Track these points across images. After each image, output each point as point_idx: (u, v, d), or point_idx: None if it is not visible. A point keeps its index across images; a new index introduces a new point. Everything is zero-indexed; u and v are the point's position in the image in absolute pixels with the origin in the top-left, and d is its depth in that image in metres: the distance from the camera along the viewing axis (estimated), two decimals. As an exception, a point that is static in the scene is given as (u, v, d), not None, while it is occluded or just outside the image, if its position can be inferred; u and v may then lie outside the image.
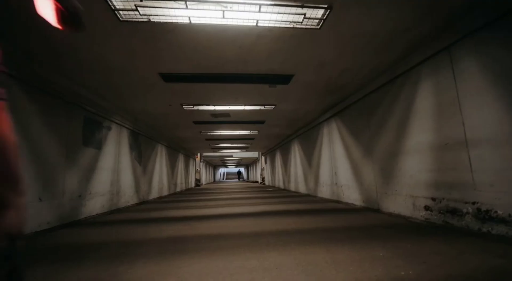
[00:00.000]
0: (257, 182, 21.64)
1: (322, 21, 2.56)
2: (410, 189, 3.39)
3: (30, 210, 3.02)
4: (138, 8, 2.30)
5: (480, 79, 2.47)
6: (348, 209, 4.44)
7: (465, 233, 2.49)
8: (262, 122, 7.39)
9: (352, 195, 5.03)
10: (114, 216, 4.45)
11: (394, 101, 3.69)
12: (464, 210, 2.62)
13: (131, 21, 2.47)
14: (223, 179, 46.42)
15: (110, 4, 2.23)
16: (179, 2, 2.26)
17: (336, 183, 5.78)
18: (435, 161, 3.00)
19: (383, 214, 3.73)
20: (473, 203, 2.54)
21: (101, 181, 4.75)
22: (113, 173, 5.29)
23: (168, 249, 2.28)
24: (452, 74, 2.75)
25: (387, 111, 3.85)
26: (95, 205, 4.50)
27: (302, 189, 8.59)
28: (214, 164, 32.74)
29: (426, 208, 3.12)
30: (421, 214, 3.20)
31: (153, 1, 2.22)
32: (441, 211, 2.90)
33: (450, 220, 2.78)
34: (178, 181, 11.99)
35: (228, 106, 5.64)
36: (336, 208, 4.70)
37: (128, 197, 5.97)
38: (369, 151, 4.35)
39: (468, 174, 2.58)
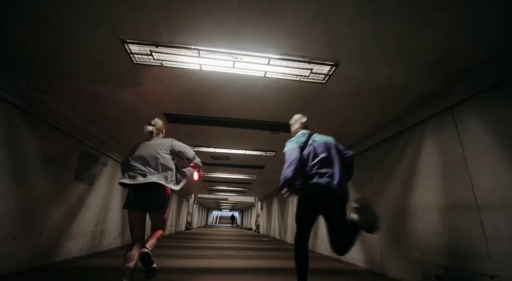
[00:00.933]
0: (251, 229, 20.49)
1: (328, 76, 2.67)
2: (419, 253, 3.11)
3: (1, 250, 2.72)
4: (153, 53, 2.41)
5: (486, 139, 2.45)
6: (350, 271, 4.04)
7: (486, 313, 2.19)
8: (261, 167, 7.29)
9: (354, 255, 4.63)
10: (93, 261, 4.03)
11: (398, 157, 3.64)
12: (481, 284, 2.35)
13: (144, 64, 2.57)
14: (216, 223, 44.20)
15: (127, 48, 2.34)
16: (193, 50, 2.37)
17: (336, 239, 5.40)
18: (445, 224, 2.80)
19: (388, 280, 3.37)
20: (491, 277, 2.28)
21: (86, 220, 4.43)
22: (101, 212, 4.97)
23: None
24: (456, 132, 2.75)
25: (391, 167, 3.78)
26: (74, 246, 4.11)
27: (299, 241, 8.02)
28: (207, 206, 31.53)
29: (438, 277, 2.81)
30: (432, 284, 2.87)
31: (167, 48, 2.34)
32: (455, 283, 2.60)
33: (467, 294, 2.48)
34: (168, 223, 11.32)
35: (229, 150, 5.61)
36: (337, 268, 4.29)
37: (112, 239, 5.52)
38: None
39: (483, 242, 2.37)
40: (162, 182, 2.45)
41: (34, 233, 3.24)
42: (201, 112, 3.69)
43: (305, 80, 2.75)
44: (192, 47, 2.32)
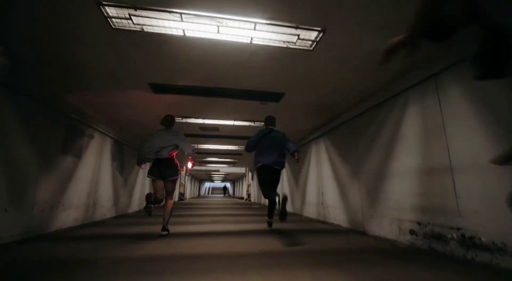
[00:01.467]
0: (242, 198, 21.27)
1: (315, 43, 2.62)
2: (396, 212, 3.38)
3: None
4: (132, 17, 2.27)
5: (464, 106, 2.56)
6: (334, 231, 4.36)
7: (450, 259, 2.47)
8: (251, 138, 7.35)
9: (338, 216, 4.97)
10: (88, 230, 4.16)
11: (382, 124, 3.76)
12: (449, 236, 2.62)
13: (124, 30, 2.44)
14: (209, 194, 45.41)
15: (103, 11, 2.19)
16: (174, 14, 2.25)
17: (322, 203, 5.73)
18: (421, 186, 3.02)
19: (368, 237, 3.68)
20: (458, 229, 2.54)
21: (77, 192, 4.48)
22: (91, 184, 5.02)
23: (141, 270, 2.11)
24: (437, 99, 2.85)
25: (375, 133, 3.91)
26: (68, 217, 4.20)
27: (288, 208, 8.45)
28: (199, 178, 32.09)
29: (412, 232, 3.10)
30: (406, 238, 3.17)
31: (147, 11, 2.21)
32: (426, 236, 2.89)
33: (435, 245, 2.76)
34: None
35: (218, 120, 5.60)
36: (322, 229, 4.62)
37: (105, 209, 5.65)
38: (357, 172, 4.37)
39: (453, 200, 2.60)
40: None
41: (26, 205, 3.28)
42: (187, 81, 3.61)
43: (292, 46, 2.69)
44: (174, 10, 2.20)
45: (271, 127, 4.20)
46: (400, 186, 3.35)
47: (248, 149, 4.11)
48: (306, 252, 2.77)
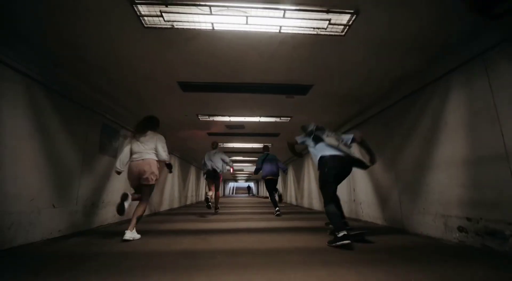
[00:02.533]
0: (267, 197, 21.21)
1: (347, 27, 2.49)
2: (441, 207, 3.12)
3: (43, 216, 2.96)
4: (163, 14, 2.31)
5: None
6: (369, 228, 4.15)
7: (510, 258, 2.21)
8: (276, 134, 7.28)
9: (372, 213, 4.73)
10: (126, 226, 4.34)
11: (421, 111, 3.49)
12: (508, 232, 2.35)
13: (155, 28, 2.49)
14: (233, 193, 45.94)
15: (136, 10, 2.25)
16: (203, 8, 2.25)
17: (354, 200, 5.50)
18: (470, 177, 2.75)
19: (409, 235, 3.44)
20: (519, 224, 2.27)
21: (115, 190, 4.70)
22: (126, 182, 5.23)
23: (182, 263, 2.13)
24: (487, 79, 2.57)
25: (413, 123, 3.65)
26: (107, 214, 4.42)
27: (316, 205, 8.26)
28: (224, 178, 32.57)
29: (460, 229, 2.83)
30: (454, 236, 2.91)
31: (178, 6, 2.22)
32: (479, 233, 2.62)
33: (490, 243, 2.49)
34: (189, 193, 11.88)
35: (243, 118, 5.59)
36: (356, 226, 4.41)
37: (139, 207, 5.87)
38: (392, 165, 4.12)
39: (511, 191, 2.33)
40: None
41: (71, 201, 3.49)
42: (214, 77, 3.62)
43: (322, 33, 2.58)
44: (203, 3, 2.19)
45: (267, 152, 6.84)
46: (444, 177, 3.08)
47: (256, 171, 6.73)
48: (342, 249, 2.63)
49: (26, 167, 2.77)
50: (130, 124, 5.22)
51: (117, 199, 4.84)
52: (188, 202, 11.55)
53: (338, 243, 2.61)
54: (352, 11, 2.29)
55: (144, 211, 3.44)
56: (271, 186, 6.47)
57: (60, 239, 3.11)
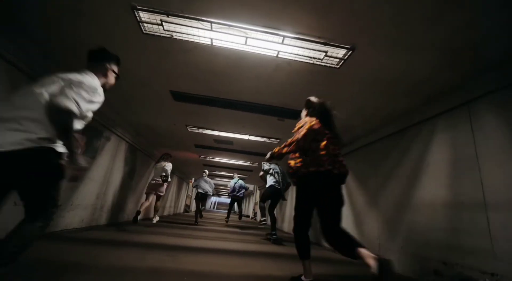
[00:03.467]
0: (248, 216, 20.72)
1: (343, 61, 2.56)
2: (418, 248, 3.09)
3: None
4: (163, 23, 2.31)
5: (500, 137, 2.37)
6: (346, 261, 4.04)
7: (483, 310, 2.17)
8: (263, 154, 7.24)
9: (350, 246, 4.64)
10: (93, 233, 4.07)
11: (405, 151, 3.56)
12: (481, 282, 2.33)
13: (154, 35, 2.48)
14: (214, 208, 44.79)
15: (137, 15, 2.24)
16: (204, 23, 2.27)
17: (334, 230, 5.41)
18: (449, 221, 2.76)
19: (385, 273, 3.36)
20: (492, 274, 2.26)
21: (87, 193, 4.46)
22: (102, 186, 5.00)
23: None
24: (470, 129, 2.66)
25: (397, 160, 3.71)
26: (74, 217, 4.15)
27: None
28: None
29: (436, 272, 2.80)
30: (429, 279, 2.86)
31: (179, 18, 2.24)
32: (454, 279, 2.59)
33: (464, 291, 2.46)
34: (168, 204, 11.46)
35: (233, 134, 5.56)
36: (334, 258, 4.30)
37: (112, 214, 5.58)
38: (375, 201, 4.12)
39: (487, 240, 2.33)
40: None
41: (35, 201, 3.25)
42: (209, 91, 3.61)
43: (318, 63, 2.64)
44: (204, 18, 2.22)
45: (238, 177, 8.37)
46: (424, 219, 3.08)
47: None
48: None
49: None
50: (115, 125, 5.08)
51: (90, 202, 4.62)
52: (165, 213, 11.11)
53: None
54: (348, 46, 2.36)
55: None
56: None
57: (15, 241, 2.85)
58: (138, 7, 2.16)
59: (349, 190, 4.99)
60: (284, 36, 2.32)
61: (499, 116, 2.42)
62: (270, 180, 5.41)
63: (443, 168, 2.93)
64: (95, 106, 1.66)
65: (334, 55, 2.50)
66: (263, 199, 5.49)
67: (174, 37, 2.47)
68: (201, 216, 8.83)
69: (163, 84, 3.50)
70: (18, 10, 2.33)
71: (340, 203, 2.18)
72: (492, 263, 2.26)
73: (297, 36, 2.30)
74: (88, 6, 2.21)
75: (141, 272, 2.25)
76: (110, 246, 3.24)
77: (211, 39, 2.46)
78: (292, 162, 2.25)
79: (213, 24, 2.26)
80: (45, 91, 1.48)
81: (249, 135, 5.53)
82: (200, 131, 5.49)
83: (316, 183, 2.11)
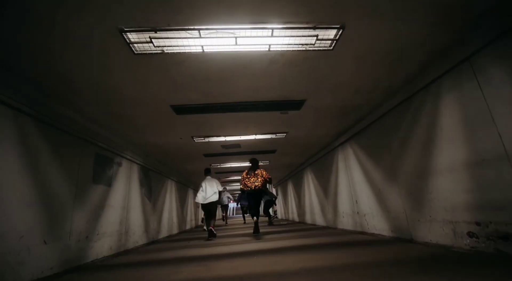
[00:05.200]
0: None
1: (335, 41, 2.54)
2: (447, 213, 3.05)
3: (33, 254, 2.79)
4: (153, 40, 2.33)
5: (511, 86, 2.31)
6: (377, 241, 4.01)
7: (528, 262, 2.12)
8: (273, 151, 7.24)
9: (378, 225, 4.61)
10: (123, 258, 4.13)
11: (415, 119, 3.52)
12: (520, 235, 2.28)
13: (145, 54, 2.50)
14: (233, 214, 44.86)
15: (126, 37, 2.27)
16: (193, 31, 2.28)
17: (358, 212, 5.38)
18: (473, 180, 2.71)
19: (418, 245, 3.33)
20: (529, 225, 2.21)
21: (110, 220, 4.52)
22: (123, 211, 5.07)
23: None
24: (477, 84, 2.61)
25: (408, 130, 3.66)
26: (102, 246, 4.21)
27: (319, 221, 8.06)
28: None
29: (471, 234, 2.75)
30: (465, 242, 2.81)
31: (167, 32, 2.26)
32: (490, 238, 2.54)
33: (503, 247, 2.41)
34: (188, 218, 11.54)
35: (239, 136, 5.57)
36: (363, 240, 4.27)
37: (137, 236, 5.65)
38: (393, 175, 4.07)
39: (517, 192, 2.28)
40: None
41: (63, 236, 3.32)
42: (207, 99, 3.62)
43: (311, 48, 2.63)
44: (192, 27, 2.23)
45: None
46: (447, 183, 3.04)
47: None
48: (354, 265, 2.51)
49: (14, 203, 2.65)
50: (124, 150, 5.15)
51: (114, 229, 4.69)
52: (188, 227, 11.19)
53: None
54: (338, 26, 2.35)
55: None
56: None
57: (51, 278, 2.91)
58: (125, 29, 2.18)
59: (365, 169, 4.95)
60: (272, 29, 2.32)
61: (505, 67, 2.36)
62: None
63: (457, 129, 2.88)
64: None
65: (325, 37, 2.49)
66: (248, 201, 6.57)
67: (166, 51, 2.49)
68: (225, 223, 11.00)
69: (162, 100, 3.53)
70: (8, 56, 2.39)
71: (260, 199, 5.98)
72: (527, 214, 2.21)
73: (285, 25, 2.30)
74: (75, 35, 2.24)
75: (180, 286, 2.27)
76: (143, 266, 3.28)
77: (202, 46, 2.47)
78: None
79: (201, 31, 2.28)
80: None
81: (255, 135, 5.54)
82: (206, 140, 5.52)
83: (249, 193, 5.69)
